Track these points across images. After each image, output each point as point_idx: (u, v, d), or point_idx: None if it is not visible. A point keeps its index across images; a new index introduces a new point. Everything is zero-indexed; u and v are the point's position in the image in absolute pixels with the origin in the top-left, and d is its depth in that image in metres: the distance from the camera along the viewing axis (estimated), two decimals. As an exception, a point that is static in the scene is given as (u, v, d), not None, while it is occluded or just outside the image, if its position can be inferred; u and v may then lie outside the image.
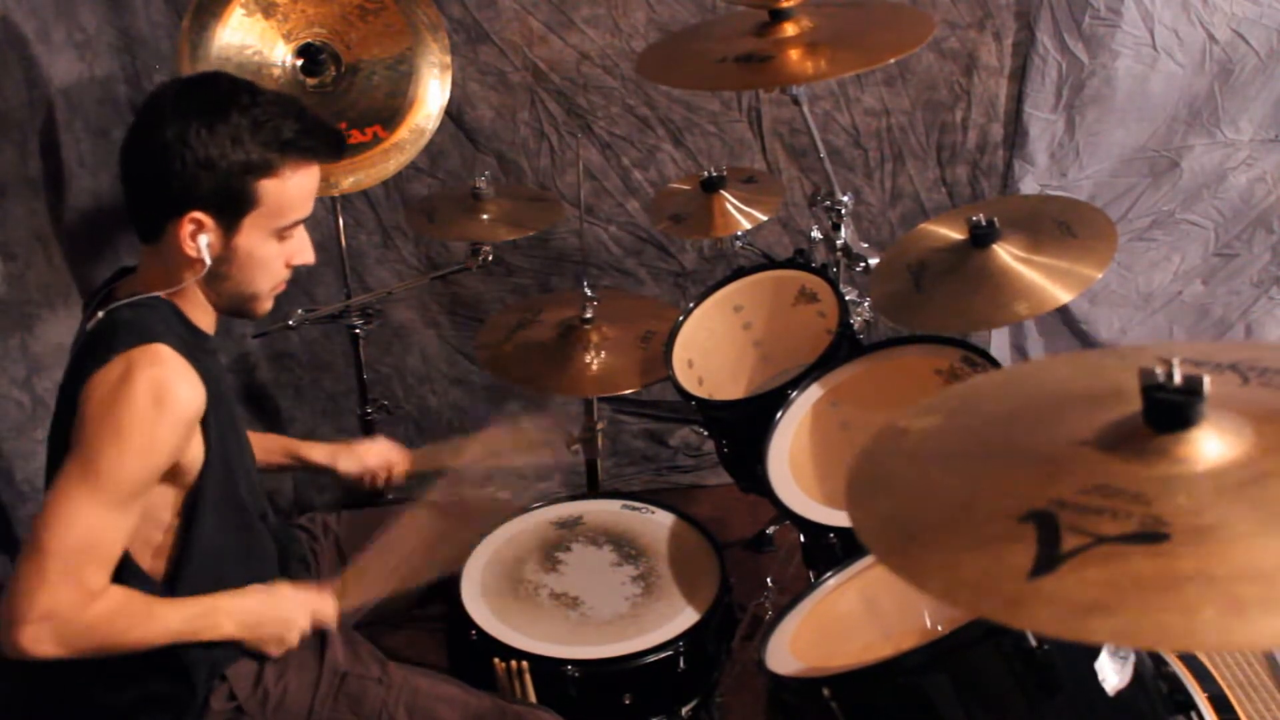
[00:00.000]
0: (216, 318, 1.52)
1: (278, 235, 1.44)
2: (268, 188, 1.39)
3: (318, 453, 1.84)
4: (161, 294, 1.43)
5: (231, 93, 1.40)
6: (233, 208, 1.39)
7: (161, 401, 1.33)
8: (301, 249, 1.49)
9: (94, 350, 1.37)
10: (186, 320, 1.45)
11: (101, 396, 1.33)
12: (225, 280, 1.45)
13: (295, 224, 1.45)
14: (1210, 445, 0.85)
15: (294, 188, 1.41)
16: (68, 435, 1.37)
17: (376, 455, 1.86)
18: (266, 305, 1.51)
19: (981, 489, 0.92)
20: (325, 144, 1.45)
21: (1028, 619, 0.79)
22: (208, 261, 1.40)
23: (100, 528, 1.33)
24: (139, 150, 1.41)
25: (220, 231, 1.40)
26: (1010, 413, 1.04)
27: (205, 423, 1.41)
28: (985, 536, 0.86)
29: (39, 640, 1.31)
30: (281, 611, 1.52)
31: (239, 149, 1.36)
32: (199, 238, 1.39)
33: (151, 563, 1.46)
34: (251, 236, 1.41)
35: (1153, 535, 0.79)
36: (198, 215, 1.38)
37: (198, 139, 1.35)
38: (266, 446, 1.80)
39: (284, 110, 1.41)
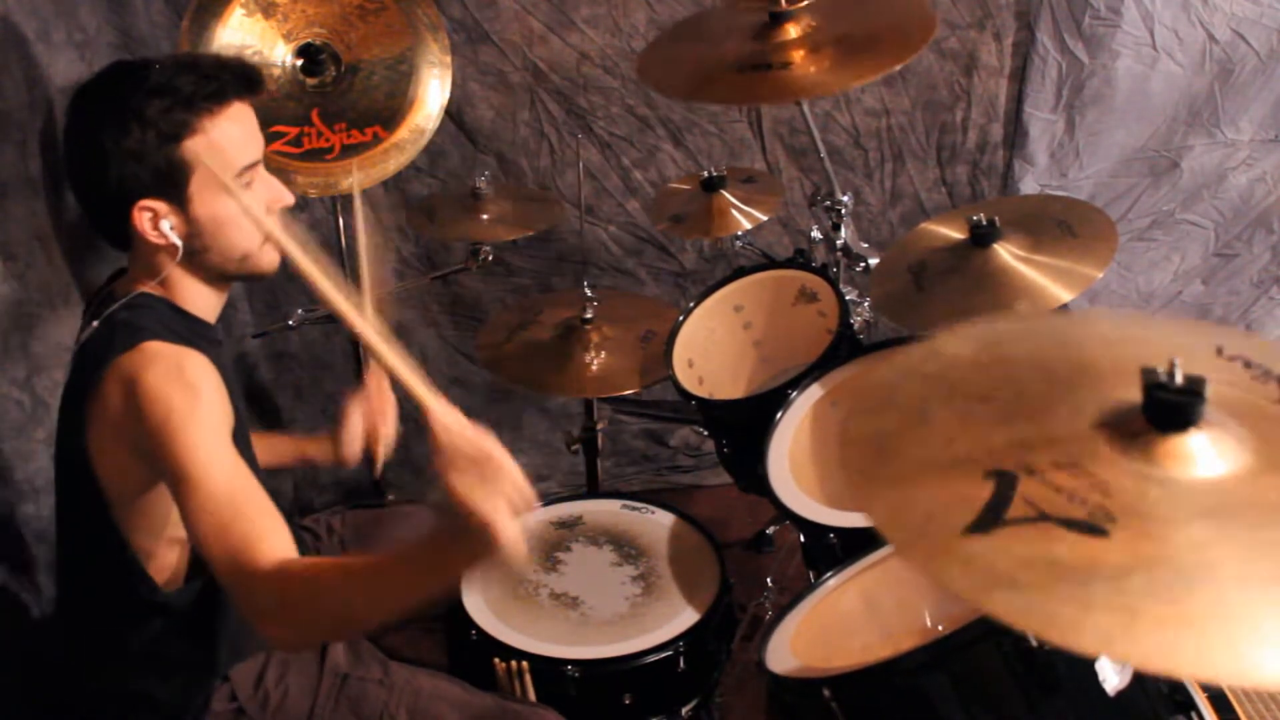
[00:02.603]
0: (221, 295, 1.48)
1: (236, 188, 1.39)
2: (194, 148, 1.35)
3: (319, 452, 1.79)
4: (151, 289, 1.41)
5: (122, 77, 1.38)
6: (173, 182, 1.36)
7: (179, 382, 1.30)
8: (275, 194, 1.44)
9: (93, 360, 1.36)
10: (182, 311, 1.43)
11: (130, 418, 1.29)
12: (206, 253, 1.41)
13: (248, 169, 1.40)
14: (1200, 457, 0.84)
15: (223, 136, 1.37)
16: (77, 447, 1.36)
17: (359, 426, 1.74)
18: (265, 260, 1.45)
19: (966, 433, 0.92)
20: (233, 81, 1.39)
21: (940, 572, 0.80)
22: (178, 244, 1.37)
23: (238, 478, 1.26)
24: (71, 168, 1.40)
25: (175, 209, 1.37)
26: (1037, 363, 1.01)
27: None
28: (946, 481, 0.87)
29: (275, 627, 1.19)
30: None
31: (148, 126, 1.33)
32: (160, 224, 1.37)
33: (174, 562, 1.44)
34: (206, 200, 1.37)
35: (1093, 527, 0.80)
36: (146, 204, 1.35)
37: (108, 134, 1.33)
38: (270, 443, 1.78)
39: (178, 69, 1.37)
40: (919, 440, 0.93)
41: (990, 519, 0.81)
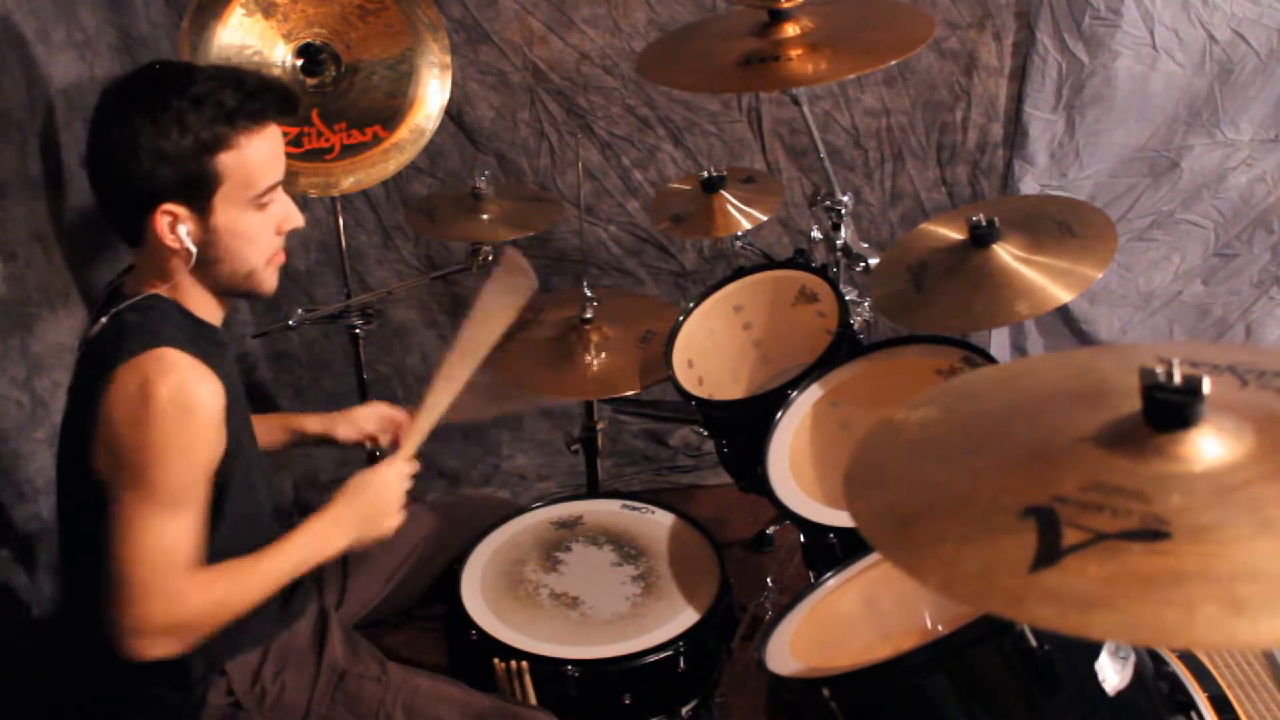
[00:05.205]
0: (223, 307, 1.50)
1: (255, 205, 1.42)
2: (227, 162, 1.38)
3: (313, 423, 1.82)
4: (161, 292, 1.43)
5: (167, 79, 1.39)
6: (199, 191, 1.37)
7: (187, 407, 1.33)
8: (287, 214, 1.47)
9: (101, 358, 1.36)
10: (191, 315, 1.44)
11: (126, 416, 1.32)
12: (216, 263, 1.43)
13: (270, 190, 1.43)
14: (1209, 446, 0.85)
15: (255, 154, 1.40)
16: (82, 443, 1.36)
17: (373, 419, 1.83)
18: (267, 280, 1.49)
19: (980, 483, 0.93)
20: (274, 102, 1.42)
21: (1029, 613, 0.79)
22: (192, 250, 1.39)
23: (168, 536, 1.34)
24: (96, 160, 1.41)
25: (195, 217, 1.39)
26: (1007, 408, 1.04)
27: (227, 416, 1.41)
28: (985, 530, 0.86)
29: (155, 647, 1.35)
30: (375, 496, 1.56)
31: (187, 133, 1.35)
32: (177, 229, 1.38)
33: None
34: (228, 213, 1.40)
35: (1153, 533, 0.80)
36: (169, 207, 1.37)
37: (144, 134, 1.34)
38: (267, 425, 1.79)
39: (223, 81, 1.39)
40: (934, 503, 0.93)
41: (1050, 552, 0.81)
